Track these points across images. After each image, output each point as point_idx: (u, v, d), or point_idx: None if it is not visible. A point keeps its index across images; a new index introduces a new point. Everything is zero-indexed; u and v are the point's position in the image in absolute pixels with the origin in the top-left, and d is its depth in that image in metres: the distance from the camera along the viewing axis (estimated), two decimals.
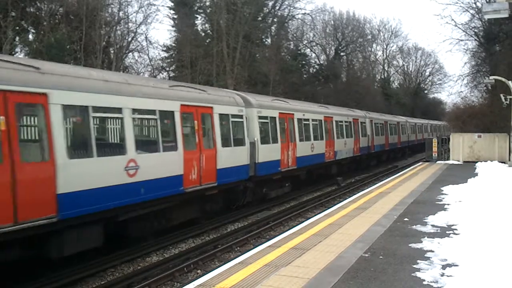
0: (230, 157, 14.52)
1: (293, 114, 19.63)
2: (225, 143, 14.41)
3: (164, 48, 48.47)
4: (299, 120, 20.24)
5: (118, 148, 10.50)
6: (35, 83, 8.49)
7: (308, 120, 21.24)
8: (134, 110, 10.75)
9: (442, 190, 14.84)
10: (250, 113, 16.33)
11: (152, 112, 11.47)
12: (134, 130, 10.71)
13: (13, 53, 33.03)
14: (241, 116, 15.62)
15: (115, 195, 9.92)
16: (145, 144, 11.52)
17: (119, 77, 11.65)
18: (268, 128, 17.55)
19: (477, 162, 25.08)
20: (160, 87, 12.25)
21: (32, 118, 9.13)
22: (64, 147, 8.82)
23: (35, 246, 8.73)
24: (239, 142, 15.36)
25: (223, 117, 14.48)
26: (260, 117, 16.87)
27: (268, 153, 17.07)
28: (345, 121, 26.90)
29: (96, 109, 9.75)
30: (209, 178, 13.37)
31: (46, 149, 8.54)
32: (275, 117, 17.92)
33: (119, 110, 10.34)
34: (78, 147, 9.64)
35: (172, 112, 12.07)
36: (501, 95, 25.54)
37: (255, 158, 16.14)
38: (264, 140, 16.98)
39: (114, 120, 10.85)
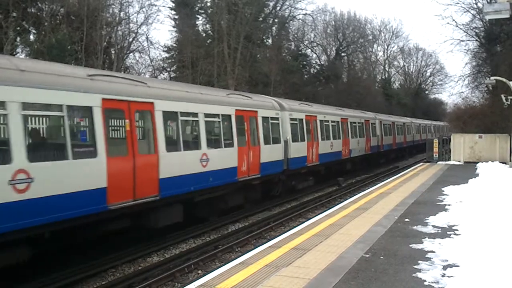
0: (269, 153, 17.11)
1: (316, 116, 22.16)
2: (266, 141, 16.99)
3: (165, 49, 48.48)
4: (321, 121, 22.74)
5: (195, 144, 13.08)
6: (146, 95, 11.17)
7: (328, 121, 23.74)
8: (206, 115, 13.31)
9: (443, 191, 14.83)
10: (283, 115, 18.88)
11: (217, 116, 14.06)
12: (206, 130, 13.30)
13: (14, 53, 33.09)
14: (277, 118, 18.28)
15: (193, 181, 12.52)
16: (212, 141, 13.87)
17: (195, 89, 14.75)
18: (297, 128, 20.00)
19: (478, 162, 25.05)
20: (221, 96, 15.14)
21: (144, 121, 11.56)
22: (163, 143, 11.46)
23: (141, 218, 11.26)
24: (276, 140, 18.05)
25: (264, 119, 17.15)
26: (291, 119, 19.42)
27: (297, 150, 19.55)
28: (358, 122, 29.39)
29: (182, 113, 12.41)
30: (255, 170, 16.02)
31: (152, 145, 11.22)
32: (302, 119, 20.51)
33: (196, 114, 12.98)
34: (172, 143, 12.11)
35: (229, 116, 14.67)
36: (502, 95, 25.51)
37: (288, 154, 18.65)
38: (294, 139, 19.43)
39: (193, 122, 13.36)
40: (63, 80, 9.20)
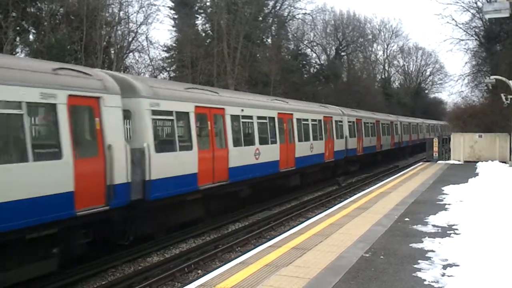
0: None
1: (361, 119, 29.74)
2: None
3: (165, 48, 48.42)
4: (365, 123, 30.42)
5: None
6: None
7: (368, 123, 31.37)
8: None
9: (443, 190, 14.83)
10: (344, 119, 26.09)
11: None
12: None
13: (13, 53, 33.05)
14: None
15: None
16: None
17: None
18: (353, 128, 27.43)
19: (478, 162, 25.04)
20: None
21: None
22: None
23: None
24: (341, 136, 25.42)
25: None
26: (349, 121, 26.69)
27: (353, 143, 26.99)
28: (386, 123, 37.05)
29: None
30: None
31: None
32: (354, 121, 27.83)
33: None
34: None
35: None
36: (502, 94, 25.49)
37: (347, 146, 25.78)
38: (351, 135, 26.81)
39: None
40: (266, 104, 17.79)
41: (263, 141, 16.82)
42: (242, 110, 15.58)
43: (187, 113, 12.54)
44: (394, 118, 40.50)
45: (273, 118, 17.88)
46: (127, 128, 11.08)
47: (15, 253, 8.21)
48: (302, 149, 20.14)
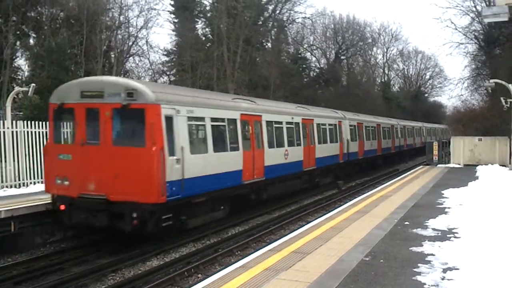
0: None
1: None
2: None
3: (165, 52, 48.48)
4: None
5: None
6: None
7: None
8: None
9: (443, 194, 14.82)
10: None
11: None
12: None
13: (13, 57, 33.09)
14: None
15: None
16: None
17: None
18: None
19: (477, 165, 25.03)
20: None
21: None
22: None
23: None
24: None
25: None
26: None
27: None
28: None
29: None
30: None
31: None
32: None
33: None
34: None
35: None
36: (502, 98, 25.53)
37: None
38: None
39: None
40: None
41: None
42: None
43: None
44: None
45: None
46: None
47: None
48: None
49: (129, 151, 11.20)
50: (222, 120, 14.42)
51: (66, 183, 11.72)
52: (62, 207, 11.70)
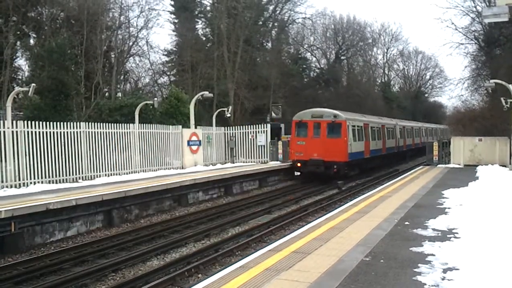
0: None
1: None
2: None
3: (165, 53, 48.53)
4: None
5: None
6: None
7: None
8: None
9: (443, 194, 14.81)
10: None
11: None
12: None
13: (14, 57, 33.06)
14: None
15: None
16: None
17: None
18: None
19: (477, 165, 25.03)
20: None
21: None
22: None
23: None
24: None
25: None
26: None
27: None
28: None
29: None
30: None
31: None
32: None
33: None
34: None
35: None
36: (502, 98, 25.53)
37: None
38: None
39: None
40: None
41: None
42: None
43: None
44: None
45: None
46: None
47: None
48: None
49: (333, 140, 25.48)
50: (359, 126, 28.07)
51: (302, 154, 25.88)
52: (299, 164, 26.12)
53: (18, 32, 31.99)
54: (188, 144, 24.87)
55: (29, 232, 12.45)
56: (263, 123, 31.78)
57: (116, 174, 20.50)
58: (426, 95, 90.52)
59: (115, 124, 21.09)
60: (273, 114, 42.41)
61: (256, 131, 29.09)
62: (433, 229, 9.71)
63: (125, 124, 21.56)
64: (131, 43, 40.74)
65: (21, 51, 34.33)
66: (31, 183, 16.65)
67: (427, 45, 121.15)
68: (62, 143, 18.07)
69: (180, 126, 25.39)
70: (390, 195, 15.01)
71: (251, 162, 28.78)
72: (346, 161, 25.35)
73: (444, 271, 6.88)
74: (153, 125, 23.51)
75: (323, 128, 25.61)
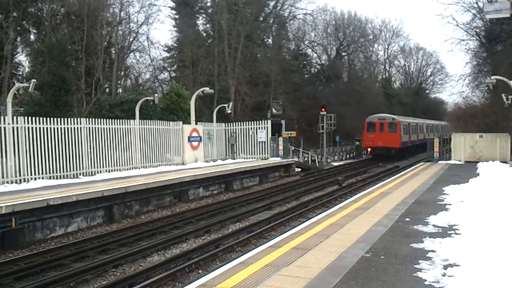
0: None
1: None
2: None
3: (166, 48, 48.43)
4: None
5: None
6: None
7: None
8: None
9: (444, 190, 14.81)
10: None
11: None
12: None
13: (14, 53, 33.02)
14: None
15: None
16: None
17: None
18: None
19: (478, 162, 25.04)
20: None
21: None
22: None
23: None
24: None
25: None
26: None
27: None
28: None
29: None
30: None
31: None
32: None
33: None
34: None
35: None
36: (503, 95, 25.47)
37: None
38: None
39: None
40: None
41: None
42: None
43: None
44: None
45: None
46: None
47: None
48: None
49: (392, 134, 39.37)
50: (406, 125, 41.16)
51: (371, 142, 39.97)
52: (369, 149, 40.97)
53: (19, 28, 31.94)
54: (189, 140, 24.90)
55: (30, 228, 12.47)
56: (264, 119, 31.77)
57: (117, 170, 20.53)
58: (427, 91, 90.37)
59: (115, 120, 21.10)
60: (274, 110, 42.42)
61: (256, 127, 29.09)
62: (434, 226, 9.71)
63: (126, 120, 21.60)
64: (131, 39, 40.70)
65: (21, 47, 34.30)
66: (31, 178, 16.66)
67: (428, 41, 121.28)
68: (63, 139, 18.09)
69: (181, 122, 25.39)
70: (391, 192, 15.01)
71: (252, 158, 28.78)
72: (400, 147, 39.78)
73: (445, 267, 6.87)
74: (154, 121, 23.55)
75: (386, 126, 39.92)
